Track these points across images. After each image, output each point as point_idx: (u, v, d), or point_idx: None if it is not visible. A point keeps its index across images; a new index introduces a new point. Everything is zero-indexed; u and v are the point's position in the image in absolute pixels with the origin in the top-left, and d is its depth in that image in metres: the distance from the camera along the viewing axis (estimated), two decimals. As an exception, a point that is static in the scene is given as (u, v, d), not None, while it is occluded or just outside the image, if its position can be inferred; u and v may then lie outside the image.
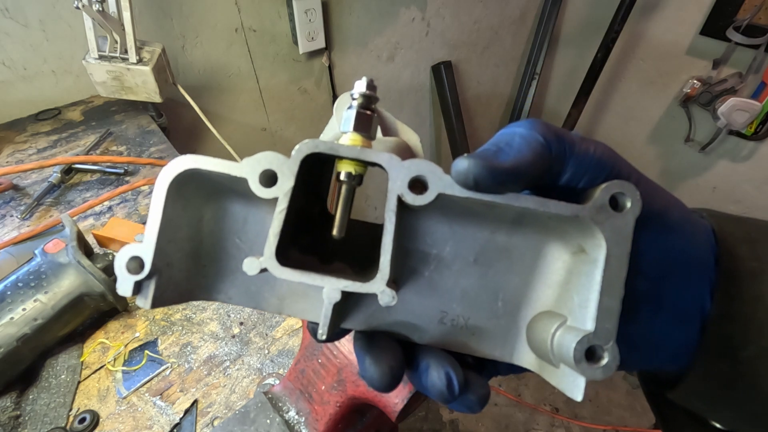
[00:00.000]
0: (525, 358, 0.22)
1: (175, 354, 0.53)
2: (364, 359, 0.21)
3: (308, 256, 0.24)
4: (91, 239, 0.64)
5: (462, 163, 0.18)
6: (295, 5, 1.16)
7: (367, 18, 1.39)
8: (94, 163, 0.78)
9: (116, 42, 0.82)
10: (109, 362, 0.52)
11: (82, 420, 0.46)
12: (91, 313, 0.54)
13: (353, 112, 0.20)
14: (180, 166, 0.19)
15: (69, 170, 0.77)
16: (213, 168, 0.19)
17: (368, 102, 0.21)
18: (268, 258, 0.18)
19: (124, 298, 0.55)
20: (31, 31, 0.88)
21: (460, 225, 0.21)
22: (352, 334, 0.23)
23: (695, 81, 1.64)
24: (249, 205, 0.22)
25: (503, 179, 0.18)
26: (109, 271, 0.53)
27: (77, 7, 0.73)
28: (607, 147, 0.20)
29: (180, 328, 0.56)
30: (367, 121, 0.20)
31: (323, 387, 0.37)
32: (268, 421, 0.39)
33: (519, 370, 0.23)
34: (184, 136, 1.18)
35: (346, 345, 0.36)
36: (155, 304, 0.20)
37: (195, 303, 0.59)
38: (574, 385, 0.18)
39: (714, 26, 1.53)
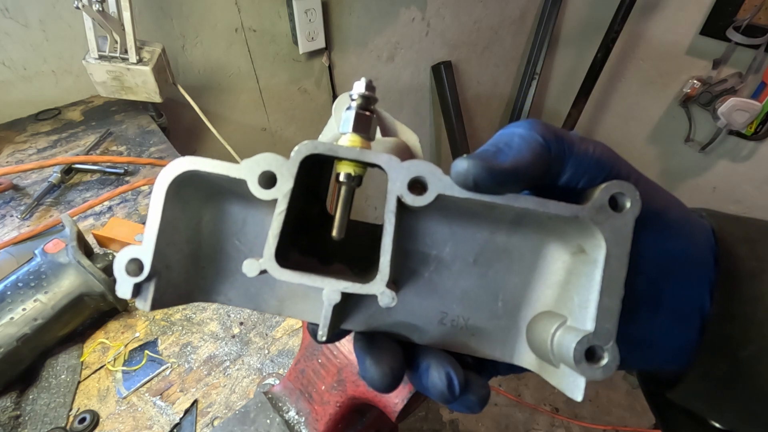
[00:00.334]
0: (525, 358, 0.22)
1: (175, 354, 0.53)
2: (364, 360, 0.21)
3: (308, 258, 0.24)
4: (91, 239, 0.64)
5: (461, 164, 0.18)
6: (295, 5, 1.16)
7: (367, 18, 1.39)
8: (94, 163, 0.78)
9: (116, 42, 0.82)
10: (109, 362, 0.52)
11: (82, 420, 0.46)
12: (91, 313, 0.54)
13: (352, 113, 0.20)
14: (178, 168, 0.19)
15: (69, 170, 0.77)
16: (212, 170, 0.19)
17: (367, 103, 0.21)
18: (267, 260, 0.18)
19: (123, 299, 0.55)
20: (31, 31, 0.88)
21: (459, 226, 0.21)
22: (352, 334, 0.23)
23: (695, 81, 1.64)
24: (248, 206, 0.22)
25: (503, 180, 0.18)
26: (109, 271, 0.53)
27: (77, 7, 0.73)
28: (607, 147, 0.20)
29: (180, 328, 0.56)
30: (366, 122, 0.20)
31: (323, 387, 0.37)
32: (268, 421, 0.39)
33: (519, 370, 0.24)
34: (184, 136, 1.18)
35: (346, 345, 0.36)
36: (154, 306, 0.20)
37: (195, 303, 0.59)
38: (574, 386, 0.18)
39: (714, 26, 1.53)
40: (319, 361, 0.37)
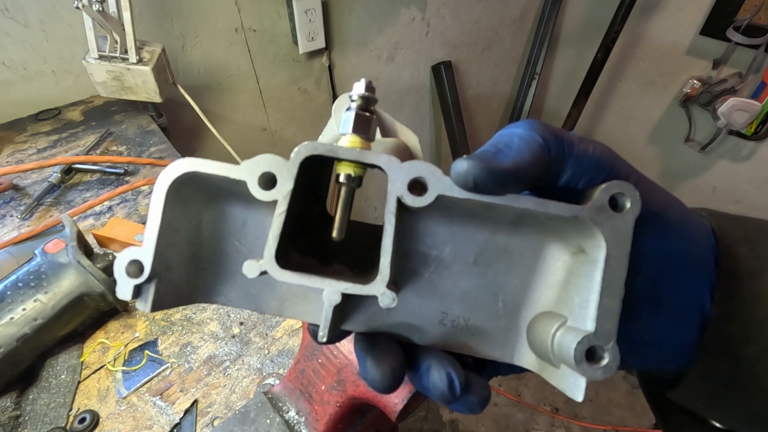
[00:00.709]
0: (525, 358, 0.22)
1: (175, 354, 0.53)
2: (365, 360, 0.21)
3: (308, 258, 0.24)
4: (91, 239, 0.64)
5: (461, 165, 0.18)
6: (295, 5, 1.16)
7: (367, 18, 1.39)
8: (94, 163, 0.78)
9: (116, 42, 0.82)
10: (109, 362, 0.52)
11: (82, 420, 0.46)
12: (91, 313, 0.54)
13: (352, 114, 0.20)
14: (178, 169, 0.19)
15: (69, 170, 0.77)
16: (212, 171, 0.19)
17: (367, 104, 0.21)
18: (267, 261, 0.18)
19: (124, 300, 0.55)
20: (31, 31, 0.88)
21: (459, 226, 0.21)
22: (352, 335, 0.23)
23: (695, 81, 1.64)
24: (248, 207, 0.22)
25: (502, 180, 0.18)
26: (109, 271, 0.53)
27: (77, 7, 0.73)
28: (606, 147, 0.20)
29: (180, 328, 0.56)
30: (366, 123, 0.20)
31: (323, 387, 0.37)
32: (268, 421, 0.39)
33: (519, 370, 0.24)
34: (184, 136, 1.18)
35: (346, 345, 0.36)
36: (155, 307, 0.20)
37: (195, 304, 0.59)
38: (574, 386, 0.18)
39: (714, 26, 1.53)
40: (319, 361, 0.37)
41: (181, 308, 0.59)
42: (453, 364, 0.21)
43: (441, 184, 0.18)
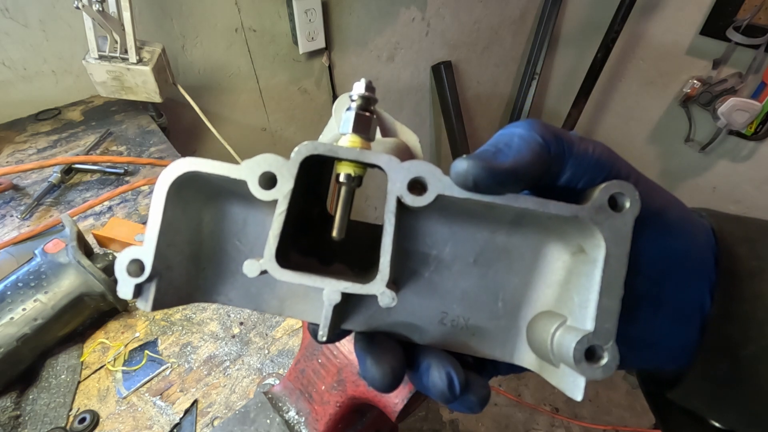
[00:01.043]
0: (525, 358, 0.22)
1: (175, 354, 0.53)
2: (365, 360, 0.21)
3: (308, 258, 0.24)
4: (91, 239, 0.64)
5: (461, 165, 0.18)
6: (295, 5, 1.16)
7: (367, 18, 1.39)
8: (94, 163, 0.78)
9: (116, 42, 0.82)
10: (109, 362, 0.52)
11: (82, 420, 0.46)
12: (91, 313, 0.54)
13: (352, 114, 0.20)
14: (179, 169, 0.19)
15: (69, 170, 0.77)
16: (212, 170, 0.19)
17: (367, 103, 0.21)
18: (267, 260, 0.18)
19: (124, 299, 0.55)
20: (31, 31, 0.88)
21: (459, 226, 0.21)
22: (352, 334, 0.23)
23: (695, 81, 1.64)
24: (248, 207, 0.22)
25: (502, 180, 0.18)
26: (109, 271, 0.53)
27: (77, 7, 0.73)
28: (606, 147, 0.20)
29: (180, 328, 0.56)
30: (366, 123, 0.20)
31: (323, 387, 0.37)
32: (268, 421, 0.39)
33: (519, 369, 0.24)
34: (184, 136, 1.19)
35: (346, 345, 0.36)
36: (156, 307, 0.20)
37: (195, 303, 0.59)
38: (574, 385, 0.18)
39: (714, 26, 1.53)
40: (319, 361, 0.37)
41: (181, 308, 0.59)
42: (453, 363, 0.21)
43: (441, 184, 0.18)
